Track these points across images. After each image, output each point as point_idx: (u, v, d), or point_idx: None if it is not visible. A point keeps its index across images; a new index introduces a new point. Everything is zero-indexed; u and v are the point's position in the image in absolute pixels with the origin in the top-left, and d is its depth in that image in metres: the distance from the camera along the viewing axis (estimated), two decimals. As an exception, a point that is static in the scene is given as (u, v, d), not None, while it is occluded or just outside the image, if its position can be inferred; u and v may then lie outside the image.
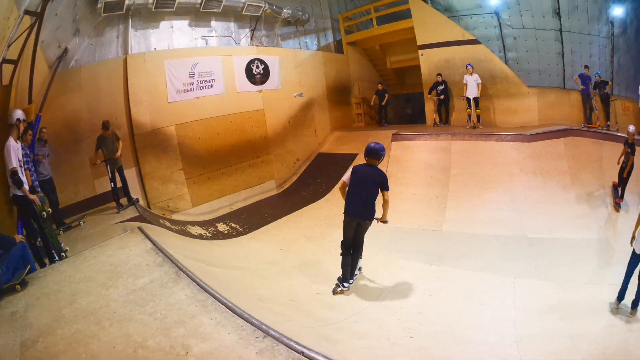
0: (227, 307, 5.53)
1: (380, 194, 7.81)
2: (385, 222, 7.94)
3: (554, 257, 9.49)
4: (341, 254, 8.22)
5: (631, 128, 11.22)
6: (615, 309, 7.31)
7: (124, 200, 11.72)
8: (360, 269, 8.70)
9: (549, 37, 16.11)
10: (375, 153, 7.92)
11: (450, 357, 6.20)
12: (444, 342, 6.62)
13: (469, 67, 15.89)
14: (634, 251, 7.27)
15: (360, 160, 14.13)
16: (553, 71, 16.36)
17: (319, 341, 5.84)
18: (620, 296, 7.30)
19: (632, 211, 10.81)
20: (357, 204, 7.82)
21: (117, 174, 11.50)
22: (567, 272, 8.80)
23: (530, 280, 8.58)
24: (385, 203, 7.73)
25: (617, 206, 11.04)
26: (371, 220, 7.89)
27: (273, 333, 4.92)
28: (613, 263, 9.03)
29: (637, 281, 7.12)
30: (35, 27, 9.66)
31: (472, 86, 15.89)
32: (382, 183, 7.74)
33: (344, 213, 7.95)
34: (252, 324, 5.14)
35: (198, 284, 6.20)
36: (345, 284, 8.10)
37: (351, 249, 8.20)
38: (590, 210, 11.36)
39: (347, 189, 8.00)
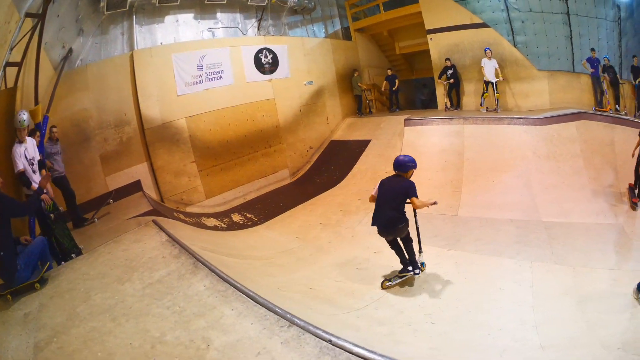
0: (248, 297, 5.48)
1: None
2: (433, 204, 7.36)
3: (569, 242, 9.40)
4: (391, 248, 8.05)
5: None
6: (635, 298, 7.24)
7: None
8: (423, 264, 8.20)
9: (557, 20, 15.92)
10: (401, 166, 7.71)
11: (471, 342, 6.17)
12: (465, 327, 6.60)
13: (487, 51, 15.84)
14: None
15: (375, 145, 13.93)
16: (562, 55, 16.18)
17: (342, 329, 5.80)
18: None
19: None
20: (380, 220, 7.70)
21: None
22: (583, 256, 8.71)
23: (547, 265, 8.50)
24: (414, 207, 7.50)
25: (634, 206, 10.57)
26: (401, 226, 7.59)
27: (298, 322, 4.87)
28: (629, 249, 8.97)
29: None
30: (38, 29, 9.64)
31: (490, 70, 15.83)
32: (407, 191, 7.44)
33: (372, 225, 7.84)
34: (275, 313, 5.08)
35: (217, 274, 6.16)
36: (403, 273, 7.98)
37: (397, 243, 7.95)
38: (604, 195, 11.25)
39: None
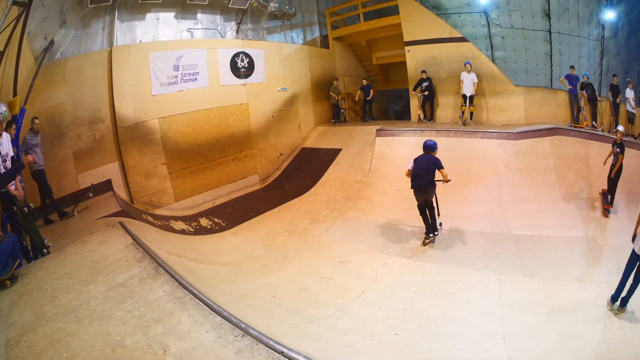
0: (205, 305, 5.43)
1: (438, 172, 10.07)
2: (448, 181, 10.00)
3: (540, 254, 9.46)
4: (420, 214, 10.39)
5: (621, 128, 11.39)
6: (609, 310, 7.29)
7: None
8: (440, 224, 10.77)
9: (538, 37, 16.15)
10: (430, 147, 10.32)
11: (436, 353, 6.18)
12: (430, 339, 6.61)
13: (467, 65, 16.02)
14: (633, 251, 7.13)
15: (345, 154, 14.68)
16: (540, 71, 16.41)
17: (301, 339, 5.78)
18: (615, 297, 7.19)
19: (620, 212, 10.92)
20: (419, 183, 10.06)
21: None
22: (553, 269, 8.77)
23: (516, 277, 8.54)
24: (443, 176, 9.96)
25: (606, 212, 11.02)
26: (431, 188, 10.18)
27: (252, 332, 4.83)
28: (601, 261, 9.06)
29: (631, 281, 7.10)
30: (22, 18, 9.42)
31: (468, 84, 16.03)
32: (435, 163, 10.04)
33: (411, 188, 10.23)
34: (230, 322, 5.05)
35: (177, 280, 6.07)
36: (430, 235, 10.36)
37: (425, 210, 10.32)
38: (576, 208, 11.38)
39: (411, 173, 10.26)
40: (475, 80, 15.96)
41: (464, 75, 16.08)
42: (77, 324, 5.26)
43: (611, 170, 11.20)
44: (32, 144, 9.99)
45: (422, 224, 10.44)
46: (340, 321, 7.00)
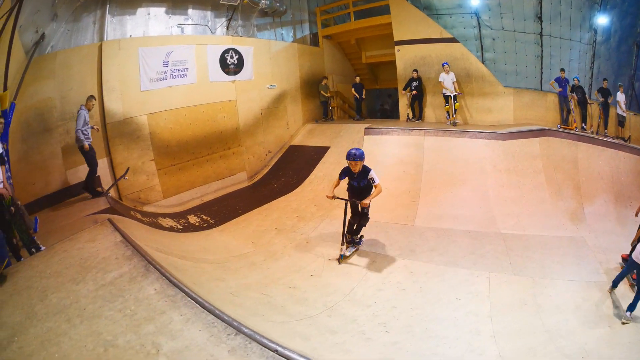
0: (197, 303, 5.38)
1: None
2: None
3: (527, 254, 9.55)
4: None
5: None
6: (609, 292, 7.61)
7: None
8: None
9: (529, 40, 16.21)
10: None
11: (426, 351, 6.21)
12: (419, 337, 6.62)
13: (445, 66, 16.08)
14: (631, 258, 7.31)
15: (333, 152, 14.91)
16: (530, 73, 16.48)
17: (292, 337, 5.77)
18: (615, 283, 7.58)
19: (609, 214, 11.13)
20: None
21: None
22: (541, 268, 8.87)
23: (505, 276, 8.61)
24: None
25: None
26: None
27: (245, 330, 4.81)
28: (589, 261, 9.14)
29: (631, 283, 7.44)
30: (15, 10, 9.23)
31: (449, 84, 16.11)
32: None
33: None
34: (223, 320, 5.01)
35: (167, 278, 6.01)
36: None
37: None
38: (565, 209, 11.49)
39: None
40: (455, 79, 16.08)
41: (443, 76, 16.18)
42: (67, 324, 5.18)
43: None
44: (86, 121, 11.02)
45: (412, 222, 10.79)
46: (329, 319, 6.99)
